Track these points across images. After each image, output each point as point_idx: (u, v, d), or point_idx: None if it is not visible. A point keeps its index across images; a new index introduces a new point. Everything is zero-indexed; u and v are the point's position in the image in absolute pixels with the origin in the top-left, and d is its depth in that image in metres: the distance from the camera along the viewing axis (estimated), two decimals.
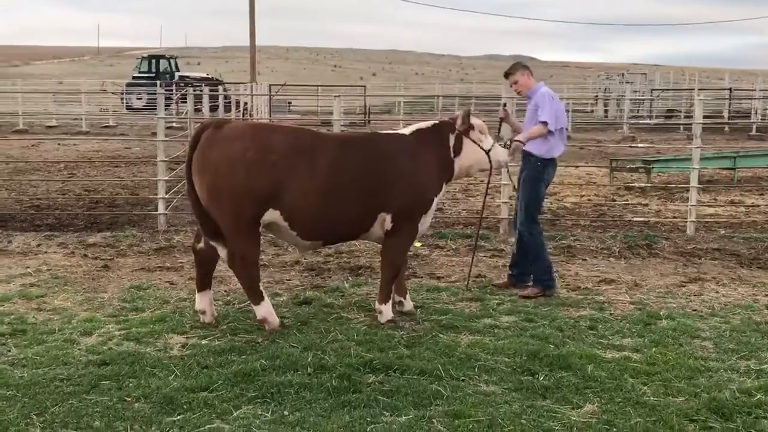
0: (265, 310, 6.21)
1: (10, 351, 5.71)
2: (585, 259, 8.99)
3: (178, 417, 4.64)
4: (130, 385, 5.07)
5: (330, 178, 6.13)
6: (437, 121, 6.90)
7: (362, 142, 6.69)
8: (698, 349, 5.94)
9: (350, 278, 7.95)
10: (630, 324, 6.51)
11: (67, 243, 9.41)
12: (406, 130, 6.78)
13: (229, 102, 28.16)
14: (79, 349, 5.75)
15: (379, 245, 6.76)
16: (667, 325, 6.48)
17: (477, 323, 6.48)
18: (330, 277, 8.02)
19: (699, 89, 33.89)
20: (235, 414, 4.69)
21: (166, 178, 10.88)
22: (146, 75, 41.75)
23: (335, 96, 10.41)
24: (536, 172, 7.37)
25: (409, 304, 6.75)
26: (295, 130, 6.69)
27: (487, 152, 6.82)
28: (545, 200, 8.73)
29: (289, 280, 7.92)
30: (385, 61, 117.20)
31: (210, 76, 42.67)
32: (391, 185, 6.35)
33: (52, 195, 13.56)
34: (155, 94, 29.21)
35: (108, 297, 7.20)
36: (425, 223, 6.68)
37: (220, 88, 29.81)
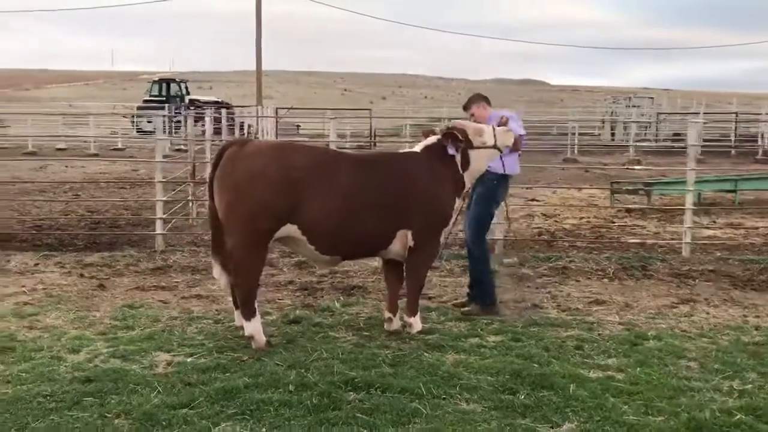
0: (254, 327, 6.26)
1: None
2: (578, 280, 8.99)
3: None
4: (112, 401, 5.11)
5: (349, 196, 6.28)
6: (441, 137, 6.87)
7: (380, 161, 6.87)
8: (683, 369, 5.93)
9: (342, 298, 7.98)
10: (617, 344, 6.51)
11: (64, 263, 9.49)
12: (416, 148, 6.88)
13: (233, 125, 28.37)
14: (65, 366, 5.80)
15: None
16: (654, 346, 6.48)
17: (463, 342, 6.49)
18: (322, 297, 8.05)
19: (704, 113, 33.93)
20: (214, 431, 4.72)
21: (164, 198, 10.97)
22: (157, 98, 42.13)
23: (331, 119, 10.50)
24: (490, 191, 7.41)
25: (397, 323, 6.78)
26: (316, 149, 6.92)
27: (495, 146, 6.87)
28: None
29: (282, 299, 7.96)
30: (395, 85, 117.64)
31: (220, 100, 43.01)
32: (410, 201, 6.49)
33: (54, 215, 13.67)
34: (166, 117, 29.78)
35: (100, 315, 7.25)
36: (443, 235, 6.83)
37: (224, 111, 30.01)
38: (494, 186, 7.39)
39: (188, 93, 43.92)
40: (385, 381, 5.46)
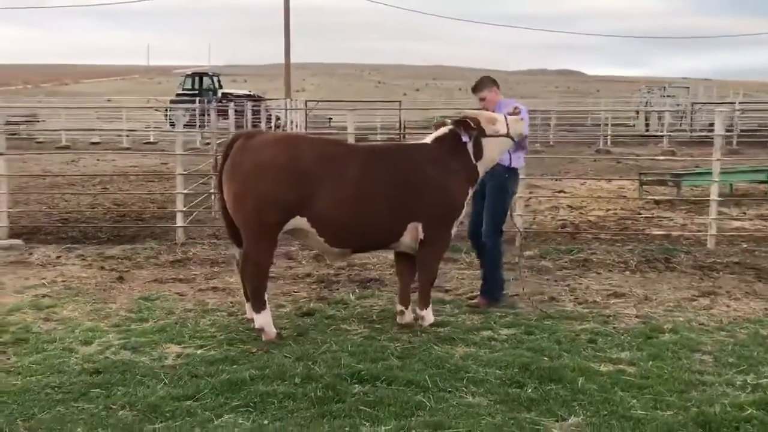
0: (264, 319, 6.26)
1: (9, 359, 5.84)
2: (599, 273, 8.88)
3: (160, 425, 4.70)
4: (118, 393, 5.14)
5: (359, 188, 6.26)
6: (452, 127, 6.79)
7: (390, 152, 6.84)
8: (696, 363, 5.83)
9: (357, 291, 7.96)
10: (631, 338, 6.42)
11: (86, 255, 9.58)
12: (427, 139, 6.83)
13: (259, 118, 28.49)
14: (75, 358, 5.84)
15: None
16: (669, 339, 6.37)
17: (475, 335, 6.44)
18: (338, 290, 8.04)
19: (740, 102, 33.35)
20: (216, 422, 4.73)
21: (185, 191, 11.04)
22: (190, 92, 42.43)
23: (349, 110, 10.47)
24: (502, 183, 7.31)
25: (409, 316, 6.74)
26: (326, 141, 6.97)
27: (508, 135, 6.79)
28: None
29: (297, 292, 7.96)
30: (430, 77, 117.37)
31: (252, 93, 43.21)
32: (420, 194, 6.45)
33: (81, 209, 13.82)
34: (187, 111, 30.02)
35: (115, 307, 7.30)
36: (455, 227, 6.78)
37: (248, 104, 30.16)
38: (505, 179, 7.28)
39: (221, 86, 44.14)
40: (392, 374, 5.44)
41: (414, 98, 72.01)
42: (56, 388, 5.22)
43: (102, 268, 8.99)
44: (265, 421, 4.74)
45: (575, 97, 73.29)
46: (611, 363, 5.83)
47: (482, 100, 7.39)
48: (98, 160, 23.36)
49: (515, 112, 6.96)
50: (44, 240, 10.67)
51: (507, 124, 6.81)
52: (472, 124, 6.64)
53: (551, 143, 29.76)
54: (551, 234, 11.18)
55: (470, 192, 6.79)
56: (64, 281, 8.32)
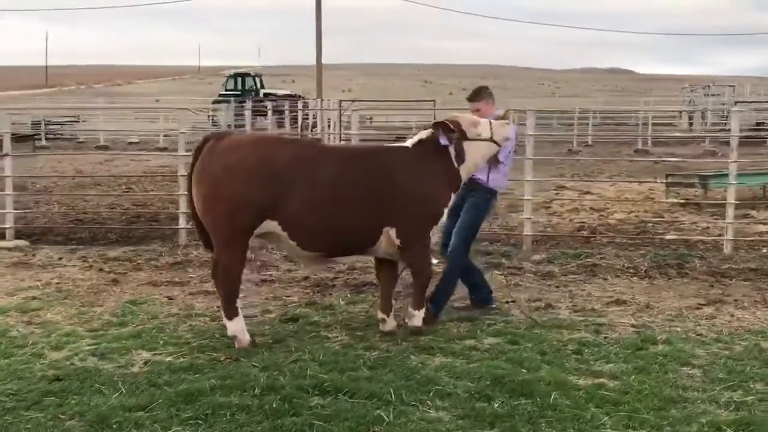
0: (236, 326, 6.11)
1: None
2: (605, 278, 8.56)
3: None
4: (72, 402, 5.02)
5: (330, 191, 6.07)
6: (432, 127, 6.60)
7: (364, 156, 6.60)
8: (683, 378, 5.52)
9: (349, 295, 7.77)
10: (620, 348, 6.12)
11: (87, 257, 9.54)
12: (408, 142, 6.62)
13: (296, 117, 28.50)
14: (41, 364, 5.74)
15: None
16: (660, 351, 6.06)
17: (456, 344, 6.20)
18: (330, 294, 7.86)
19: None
20: None
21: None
22: (232, 92, 42.74)
23: (354, 110, 10.28)
24: (483, 202, 7.07)
25: (391, 324, 6.53)
26: (298, 142, 6.80)
27: (491, 138, 6.55)
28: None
29: (289, 296, 7.80)
30: (477, 76, 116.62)
31: (293, 93, 43.35)
32: (393, 198, 6.22)
33: (99, 209, 13.85)
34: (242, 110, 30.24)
35: (100, 311, 7.21)
36: (435, 235, 6.55)
37: (269, 104, 30.23)
38: (487, 198, 7.09)
39: (263, 87, 44.46)
40: (356, 385, 5.23)
41: (460, 97, 71.53)
42: (11, 396, 5.12)
43: (101, 270, 8.94)
44: None
45: (623, 96, 72.08)
46: (592, 376, 5.55)
47: (476, 111, 7.07)
48: (131, 160, 23.53)
49: (503, 115, 6.73)
50: (53, 241, 10.69)
51: (491, 128, 6.55)
52: (451, 127, 6.41)
53: (590, 143, 29.25)
54: (565, 238, 10.85)
55: (452, 198, 6.54)
56: (58, 283, 8.28)
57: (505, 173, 7.20)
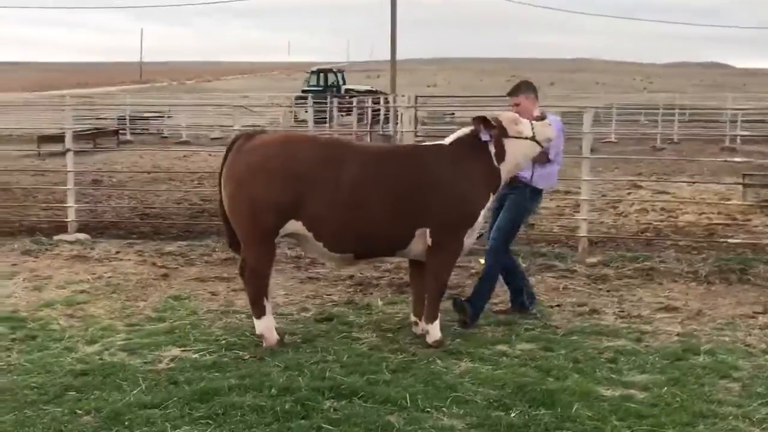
0: (264, 325, 6.09)
1: (9, 357, 5.89)
2: (661, 283, 8.23)
3: None
4: (92, 397, 5.08)
5: (358, 191, 5.94)
6: (472, 123, 6.38)
7: (396, 154, 6.45)
8: (719, 391, 5.24)
9: (390, 295, 7.68)
10: (658, 358, 5.85)
11: (144, 251, 9.69)
12: (447, 140, 6.47)
13: (378, 113, 28.49)
14: (71, 358, 5.83)
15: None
16: (700, 362, 5.77)
17: (486, 350, 6.04)
18: (371, 293, 7.79)
19: None
20: None
21: None
22: (315, 88, 43.13)
23: (407, 107, 10.14)
24: (524, 200, 6.84)
25: (423, 327, 6.40)
26: (326, 142, 6.66)
27: (533, 138, 6.31)
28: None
29: (330, 295, 7.76)
30: (566, 71, 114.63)
31: (374, 89, 43.43)
32: (427, 199, 6.06)
33: (167, 204, 14.11)
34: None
35: (143, 306, 7.31)
36: (471, 237, 6.33)
37: (352, 100, 30.31)
38: (530, 197, 6.86)
39: (344, 82, 44.72)
40: (373, 389, 5.14)
41: (546, 93, 70.45)
42: (36, 389, 5.21)
43: (154, 264, 9.07)
44: None
45: (717, 91, 69.65)
46: (622, 387, 5.32)
47: (516, 105, 6.87)
48: (210, 155, 23.89)
49: (540, 116, 6.50)
50: (115, 235, 10.92)
51: (532, 128, 6.34)
52: (491, 122, 6.22)
53: (676, 140, 28.38)
54: (626, 239, 10.49)
55: (491, 198, 6.35)
56: (110, 277, 8.42)
57: (551, 172, 6.97)
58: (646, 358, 5.85)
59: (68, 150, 11.05)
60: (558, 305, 7.34)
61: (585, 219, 9.54)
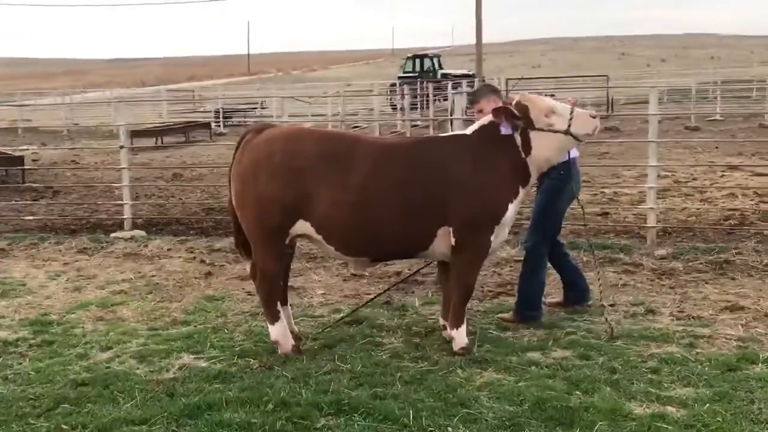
0: (278, 332, 5.75)
1: (21, 364, 5.74)
2: (734, 278, 7.48)
3: None
4: (84, 411, 4.84)
5: (368, 188, 5.47)
6: (492, 113, 5.71)
7: (411, 148, 5.82)
8: None
9: (431, 294, 7.23)
10: (708, 368, 5.21)
11: (194, 248, 9.54)
12: (469, 129, 5.94)
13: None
14: (79, 366, 5.63)
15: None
16: (756, 374, 5.10)
17: (516, 357, 5.52)
18: (413, 292, 7.36)
19: None
20: None
21: None
22: (410, 74, 42.73)
23: (454, 93, 9.60)
24: (557, 181, 6.17)
25: (448, 333, 5.93)
26: (334, 135, 6.14)
27: (568, 131, 5.58)
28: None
29: (368, 294, 7.37)
30: (680, 46, 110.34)
31: (471, 73, 42.67)
32: (447, 195, 5.52)
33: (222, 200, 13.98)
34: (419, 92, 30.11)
35: (174, 307, 7.10)
36: (500, 235, 5.80)
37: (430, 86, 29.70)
38: (563, 174, 6.15)
39: (441, 67, 44.13)
40: (377, 404, 4.71)
41: (659, 70, 67.65)
42: (31, 401, 5.01)
43: (202, 261, 8.90)
44: None
45: None
46: (658, 403, 4.73)
47: (480, 112, 6.19)
48: None
49: (575, 103, 5.79)
50: (173, 231, 10.84)
51: (570, 119, 5.62)
52: (516, 113, 5.62)
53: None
54: (705, 229, 9.66)
55: (521, 192, 5.76)
56: (153, 276, 8.28)
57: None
58: (693, 368, 5.22)
59: (122, 147, 11.00)
60: (612, 304, 6.72)
61: (652, 208, 8.81)
